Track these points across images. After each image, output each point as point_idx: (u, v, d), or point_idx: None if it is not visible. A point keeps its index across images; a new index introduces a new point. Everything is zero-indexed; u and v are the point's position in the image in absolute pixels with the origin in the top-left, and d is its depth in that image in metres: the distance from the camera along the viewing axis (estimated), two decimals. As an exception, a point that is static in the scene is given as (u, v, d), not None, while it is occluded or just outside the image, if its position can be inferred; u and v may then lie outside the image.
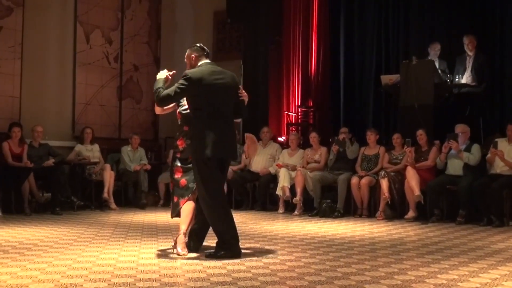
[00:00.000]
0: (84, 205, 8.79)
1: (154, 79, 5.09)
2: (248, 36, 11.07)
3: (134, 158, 9.72)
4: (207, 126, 4.77)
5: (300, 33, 11.59)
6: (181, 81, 4.80)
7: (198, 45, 5.07)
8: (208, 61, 5.01)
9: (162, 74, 5.01)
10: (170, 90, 4.80)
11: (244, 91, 5.15)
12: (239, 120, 5.47)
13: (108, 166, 9.20)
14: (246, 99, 5.14)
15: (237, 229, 4.85)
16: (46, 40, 9.80)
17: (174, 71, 5.06)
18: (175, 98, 4.86)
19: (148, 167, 9.73)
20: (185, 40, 11.68)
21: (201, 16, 11.78)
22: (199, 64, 4.97)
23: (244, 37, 11.18)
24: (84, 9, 10.33)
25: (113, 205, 9.01)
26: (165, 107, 5.22)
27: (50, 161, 8.57)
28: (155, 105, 5.23)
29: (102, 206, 8.95)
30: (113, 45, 10.80)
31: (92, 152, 9.33)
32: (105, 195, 8.92)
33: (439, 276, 4.12)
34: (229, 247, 4.75)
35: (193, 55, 5.01)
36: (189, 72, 4.85)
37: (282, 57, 11.56)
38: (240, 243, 4.86)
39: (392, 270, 4.29)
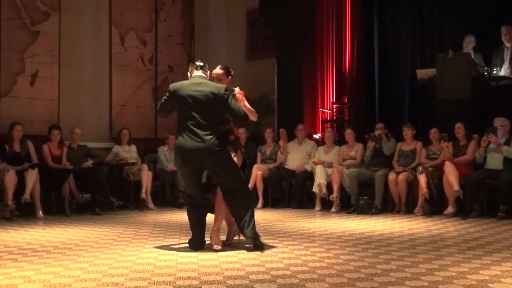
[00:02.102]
0: (123, 205, 8.89)
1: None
2: (281, 34, 11.04)
3: (171, 158, 9.77)
4: (181, 136, 5.13)
5: (334, 29, 11.49)
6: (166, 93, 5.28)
7: (194, 61, 5.44)
8: (198, 74, 5.29)
9: None
10: (160, 103, 5.34)
11: (241, 92, 5.24)
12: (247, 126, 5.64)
13: (145, 166, 9.28)
14: (240, 101, 5.16)
15: (203, 229, 5.22)
16: (82, 43, 9.96)
17: None
18: (162, 109, 5.38)
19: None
20: (219, 39, 11.75)
21: (233, 16, 11.81)
22: (191, 77, 5.33)
23: (277, 35, 11.15)
24: (118, 11, 10.47)
25: (151, 205, 9.10)
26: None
27: (89, 162, 8.70)
28: None
29: (140, 206, 9.04)
30: (148, 47, 10.91)
31: (129, 153, 9.44)
32: (143, 195, 9.00)
33: (481, 272, 4.05)
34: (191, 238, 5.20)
35: (188, 72, 5.41)
36: (171, 84, 5.31)
37: (316, 54, 11.49)
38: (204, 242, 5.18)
39: (432, 267, 4.23)
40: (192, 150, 5.03)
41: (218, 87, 5.17)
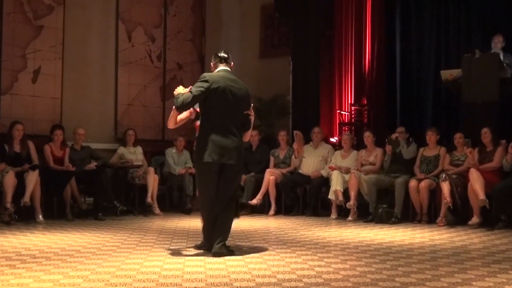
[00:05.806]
0: (127, 210, 8.90)
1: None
2: (298, 31, 11.04)
3: (179, 161, 9.81)
4: (211, 131, 5.25)
5: (353, 26, 11.47)
6: (199, 83, 5.28)
7: (217, 53, 5.57)
8: (225, 68, 5.48)
9: (180, 89, 5.42)
10: (188, 95, 5.25)
11: (253, 112, 5.58)
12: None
13: (151, 169, 9.30)
14: (252, 118, 5.60)
15: (211, 230, 5.30)
16: (88, 39, 10.03)
17: (191, 87, 5.38)
18: (194, 100, 5.30)
19: (194, 170, 9.79)
20: (231, 36, 11.78)
21: (247, 11, 11.84)
22: (216, 70, 5.48)
23: (293, 32, 11.16)
24: (126, 6, 10.52)
25: (157, 210, 9.11)
26: (178, 120, 5.65)
27: (92, 165, 8.74)
28: (168, 121, 5.72)
29: (145, 211, 9.05)
30: (156, 43, 10.96)
31: (135, 154, 9.47)
32: (149, 199, 9.00)
33: (506, 287, 4.03)
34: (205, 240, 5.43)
35: (212, 63, 5.61)
36: (207, 74, 5.39)
37: (334, 52, 11.48)
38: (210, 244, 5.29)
39: (455, 280, 4.21)
40: (225, 148, 5.24)
41: (247, 88, 5.50)
